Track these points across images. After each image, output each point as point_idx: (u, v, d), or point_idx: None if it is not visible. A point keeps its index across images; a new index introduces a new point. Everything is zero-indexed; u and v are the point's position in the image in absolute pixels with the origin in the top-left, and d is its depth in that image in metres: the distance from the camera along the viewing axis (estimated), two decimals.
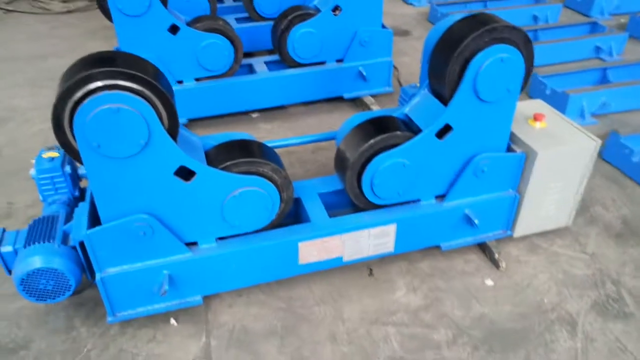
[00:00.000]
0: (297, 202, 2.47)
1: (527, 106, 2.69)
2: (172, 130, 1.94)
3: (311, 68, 3.78)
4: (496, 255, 2.55)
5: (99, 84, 1.77)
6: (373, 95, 4.02)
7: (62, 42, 5.21)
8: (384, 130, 2.27)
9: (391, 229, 2.39)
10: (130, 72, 1.80)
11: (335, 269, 2.44)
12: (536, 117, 2.52)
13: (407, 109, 2.45)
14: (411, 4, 6.19)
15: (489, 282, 2.46)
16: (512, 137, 2.46)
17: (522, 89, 2.29)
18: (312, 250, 2.31)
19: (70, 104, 1.77)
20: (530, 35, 4.94)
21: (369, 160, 2.25)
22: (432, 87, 2.37)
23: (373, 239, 2.38)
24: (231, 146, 2.21)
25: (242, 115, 3.86)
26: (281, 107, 3.96)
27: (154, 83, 1.83)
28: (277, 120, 3.84)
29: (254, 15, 4.40)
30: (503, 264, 2.52)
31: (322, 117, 3.85)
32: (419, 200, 2.45)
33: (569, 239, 2.70)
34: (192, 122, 3.71)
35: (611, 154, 3.27)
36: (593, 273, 2.51)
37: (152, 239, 2.02)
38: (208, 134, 3.69)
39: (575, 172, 2.50)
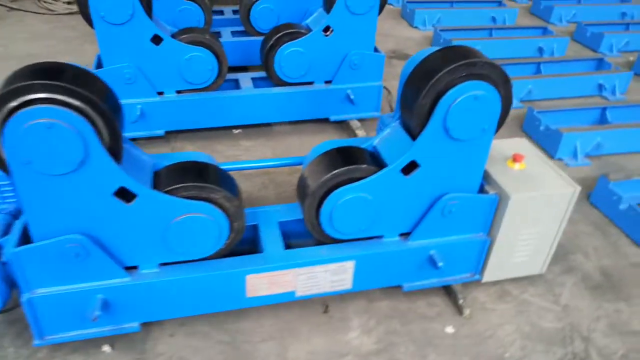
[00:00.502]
0: (256, 229, 2.35)
1: (509, 145, 2.55)
2: (114, 149, 1.84)
3: (298, 88, 3.69)
4: (460, 301, 2.40)
5: (37, 95, 1.68)
6: (360, 119, 3.91)
7: (60, 43, 5.19)
8: (349, 162, 2.15)
9: (349, 265, 2.26)
10: (72, 87, 1.71)
11: (290, 302, 2.31)
12: (515, 158, 2.38)
13: (376, 141, 2.33)
14: (417, 27, 6.10)
15: (450, 330, 2.31)
16: (487, 178, 2.33)
17: (499, 128, 2.17)
18: (262, 283, 2.19)
19: (3, 112, 1.68)
20: (533, 67, 4.89)
21: (330, 191, 2.13)
22: (403, 119, 2.25)
23: (329, 275, 2.25)
24: (183, 168, 2.11)
25: (224, 130, 3.76)
26: (266, 125, 3.86)
27: (95, 100, 1.74)
28: (260, 138, 3.74)
29: (249, 30, 4.33)
30: (467, 311, 2.38)
31: (306, 138, 3.74)
32: (382, 236, 2.32)
33: (543, 288, 2.55)
34: (170, 134, 3.63)
35: (599, 200, 3.12)
36: (563, 327, 2.35)
37: (86, 260, 1.92)
38: (186, 146, 3.68)
39: (551, 218, 2.35)
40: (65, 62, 1.90)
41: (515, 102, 4.29)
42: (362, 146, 2.32)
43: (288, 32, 3.56)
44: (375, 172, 2.12)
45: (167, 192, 1.95)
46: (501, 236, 2.34)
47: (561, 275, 2.63)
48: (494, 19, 6.14)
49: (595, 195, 3.14)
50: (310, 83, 3.74)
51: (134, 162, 2.01)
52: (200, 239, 2.04)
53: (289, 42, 3.49)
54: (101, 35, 3.19)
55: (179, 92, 3.50)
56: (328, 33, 3.55)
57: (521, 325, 2.35)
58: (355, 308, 2.40)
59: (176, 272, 2.09)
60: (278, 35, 3.55)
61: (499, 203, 2.28)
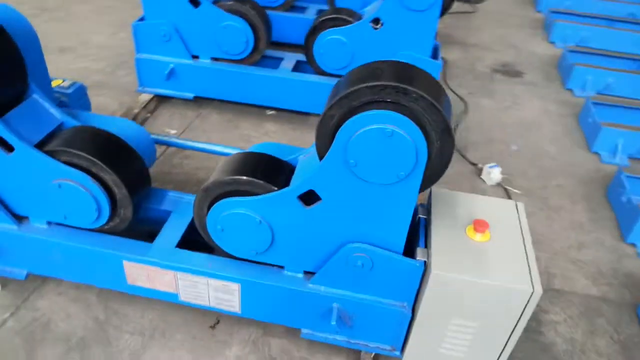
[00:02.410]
0: (167, 216, 2.18)
1: (493, 206, 1.96)
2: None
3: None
4: None
5: None
6: None
7: None
8: (256, 172, 1.84)
9: (234, 287, 1.96)
10: None
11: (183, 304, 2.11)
12: (477, 226, 1.80)
13: (301, 157, 1.95)
14: (553, 43, 5.12)
15: None
16: (427, 240, 1.81)
17: (430, 184, 1.65)
18: (140, 274, 2.02)
19: None
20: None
21: (222, 196, 1.85)
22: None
23: (213, 290, 1.99)
24: (88, 135, 1.99)
25: (258, 108, 3.60)
26: (303, 113, 3.59)
27: None
28: (289, 125, 3.50)
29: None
30: None
31: None
32: (282, 267, 1.96)
33: None
34: (202, 100, 3.58)
35: None
36: None
37: None
38: (212, 115, 3.58)
39: (500, 317, 1.74)
40: None
41: None
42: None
43: (332, 16, 3.21)
44: (269, 192, 1.78)
45: (48, 152, 1.87)
46: (422, 316, 1.82)
47: None
48: None
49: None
50: None
51: (33, 115, 1.97)
52: (77, 209, 1.94)
53: (330, 29, 3.15)
54: None
55: (214, 59, 3.41)
56: (377, 26, 3.11)
57: None
58: (244, 335, 2.10)
59: (60, 234, 2.03)
60: (322, 19, 3.22)
61: (425, 275, 1.76)
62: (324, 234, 1.80)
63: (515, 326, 1.75)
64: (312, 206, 1.74)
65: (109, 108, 3.50)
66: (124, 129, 2.17)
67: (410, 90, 1.50)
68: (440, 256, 1.73)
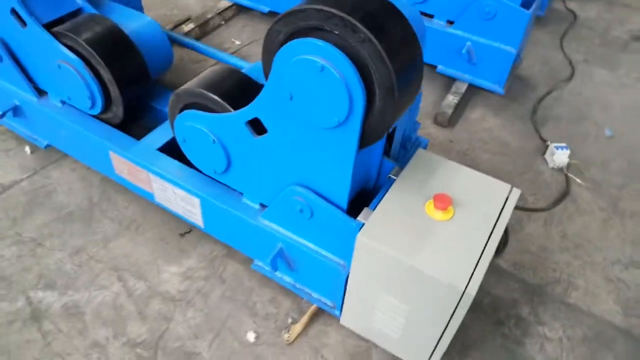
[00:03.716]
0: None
1: (480, 184, 1.66)
2: None
3: None
4: (290, 320, 1.87)
5: None
6: (475, 87, 3.01)
7: None
8: (227, 89, 1.75)
9: (196, 202, 1.96)
10: None
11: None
12: (437, 201, 1.54)
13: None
14: None
15: (251, 336, 1.86)
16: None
17: (369, 142, 1.42)
18: (123, 167, 2.11)
19: None
20: None
21: (188, 106, 1.80)
22: None
23: (180, 199, 2.01)
24: (96, 25, 2.04)
25: None
26: None
27: None
28: None
29: None
30: (287, 336, 1.85)
31: None
32: (242, 194, 1.90)
33: None
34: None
35: None
36: None
37: (2, 64, 2.18)
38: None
39: (431, 308, 1.51)
40: None
41: None
42: None
43: None
44: (224, 111, 1.69)
45: (53, 33, 1.97)
46: (352, 281, 1.65)
47: None
48: None
49: None
50: (430, 16, 2.99)
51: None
52: (74, 93, 2.06)
53: None
54: None
55: None
56: None
57: None
58: (207, 251, 2.12)
59: (67, 113, 2.19)
60: None
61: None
62: (274, 169, 1.68)
63: (448, 323, 1.51)
64: (261, 137, 1.62)
65: (190, 9, 3.60)
66: (142, 26, 2.20)
67: (359, 29, 1.26)
68: (376, 223, 1.52)
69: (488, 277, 2.07)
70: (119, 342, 1.81)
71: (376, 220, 1.53)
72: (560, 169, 2.62)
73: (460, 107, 2.96)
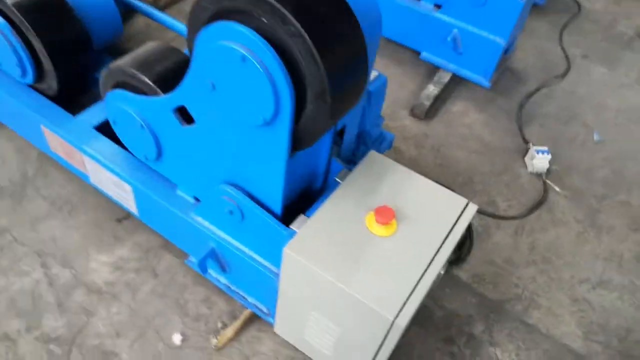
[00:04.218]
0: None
1: (434, 196, 1.48)
2: None
3: None
4: (220, 324, 1.73)
5: None
6: (458, 77, 2.80)
7: None
8: (161, 70, 1.55)
9: (128, 188, 1.79)
10: None
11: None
12: (378, 216, 1.36)
13: None
14: None
15: (177, 338, 1.72)
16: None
17: (302, 145, 1.24)
18: (57, 145, 1.93)
19: None
20: None
21: (119, 85, 1.61)
22: None
23: (112, 184, 1.84)
24: None
25: None
26: None
27: None
28: None
29: None
30: (215, 340, 1.71)
31: (383, 63, 2.89)
32: (175, 186, 1.73)
33: None
34: None
35: None
36: None
37: None
38: None
39: (361, 331, 1.36)
40: None
41: None
42: None
43: None
44: (154, 95, 1.50)
45: None
46: (282, 292, 1.50)
47: None
48: None
49: None
50: None
51: None
52: (4, 59, 1.86)
53: None
54: None
55: None
56: None
57: None
58: (142, 240, 1.97)
59: (2, 81, 1.99)
60: None
61: None
62: (204, 162, 1.51)
63: (381, 346, 1.35)
64: (189, 126, 1.44)
65: None
66: None
67: (289, 20, 1.06)
68: (307, 235, 1.35)
69: (444, 289, 1.93)
70: (32, 335, 1.67)
71: (308, 231, 1.36)
72: (539, 175, 2.44)
73: (441, 99, 2.75)
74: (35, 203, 2.03)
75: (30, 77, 1.87)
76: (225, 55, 1.13)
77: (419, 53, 2.86)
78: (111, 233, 1.98)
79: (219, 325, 1.75)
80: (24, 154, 2.18)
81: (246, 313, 1.77)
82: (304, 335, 1.56)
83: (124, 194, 1.84)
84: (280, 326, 1.66)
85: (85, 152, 1.81)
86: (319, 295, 1.36)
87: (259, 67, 1.10)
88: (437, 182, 1.53)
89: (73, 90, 2.02)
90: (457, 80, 2.83)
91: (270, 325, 1.73)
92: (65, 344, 1.66)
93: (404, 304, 1.24)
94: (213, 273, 1.79)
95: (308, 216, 1.43)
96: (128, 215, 2.03)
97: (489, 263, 2.07)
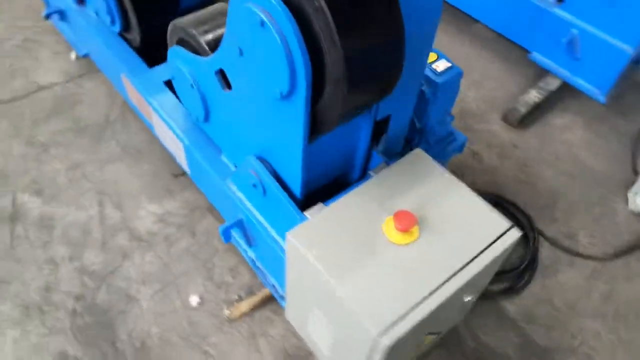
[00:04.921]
0: None
1: (474, 212, 1.31)
2: None
3: None
4: (236, 296, 1.71)
5: None
6: (569, 86, 2.45)
7: None
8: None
9: (181, 146, 1.83)
10: None
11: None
12: (397, 220, 1.23)
13: None
14: None
15: (194, 300, 1.74)
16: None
17: (319, 129, 1.14)
18: (133, 94, 2.03)
19: None
20: None
21: (180, 41, 1.63)
22: None
23: (170, 139, 1.90)
24: None
25: None
26: (470, 19, 2.85)
27: None
28: (445, 27, 2.85)
29: None
30: (228, 312, 1.70)
31: (482, 55, 2.64)
32: (221, 150, 1.72)
33: None
34: None
35: None
36: None
37: None
38: None
39: (351, 341, 1.24)
40: None
41: None
42: None
43: None
44: (205, 55, 1.49)
45: None
46: (289, 279, 1.43)
47: None
48: None
49: None
50: None
51: None
52: (99, 7, 1.99)
53: None
54: None
55: None
56: None
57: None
58: (191, 198, 2.02)
59: (96, 25, 2.13)
60: None
61: None
62: (240, 132, 1.48)
63: None
64: (228, 92, 1.41)
65: None
66: None
67: None
68: (316, 225, 1.26)
69: (484, 319, 1.73)
70: (72, 265, 1.80)
71: (318, 221, 1.27)
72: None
73: (542, 108, 2.44)
74: (109, 145, 2.17)
75: (118, 25, 1.98)
76: (249, 19, 1.07)
77: (528, 52, 2.55)
78: (165, 186, 2.05)
79: (236, 297, 1.74)
80: (112, 99, 2.34)
81: (265, 291, 1.74)
82: (307, 328, 1.49)
83: (178, 151, 1.89)
84: (290, 313, 1.60)
85: (150, 104, 1.88)
86: (316, 289, 1.27)
87: (276, 35, 1.02)
88: (490, 196, 1.34)
89: (157, 44, 2.10)
90: (566, 89, 2.48)
91: (280, 312, 1.68)
92: (97, 280, 1.77)
93: (396, 321, 1.10)
94: (243, 244, 1.78)
95: (325, 204, 1.34)
96: (184, 172, 2.09)
97: (547, 302, 1.80)
